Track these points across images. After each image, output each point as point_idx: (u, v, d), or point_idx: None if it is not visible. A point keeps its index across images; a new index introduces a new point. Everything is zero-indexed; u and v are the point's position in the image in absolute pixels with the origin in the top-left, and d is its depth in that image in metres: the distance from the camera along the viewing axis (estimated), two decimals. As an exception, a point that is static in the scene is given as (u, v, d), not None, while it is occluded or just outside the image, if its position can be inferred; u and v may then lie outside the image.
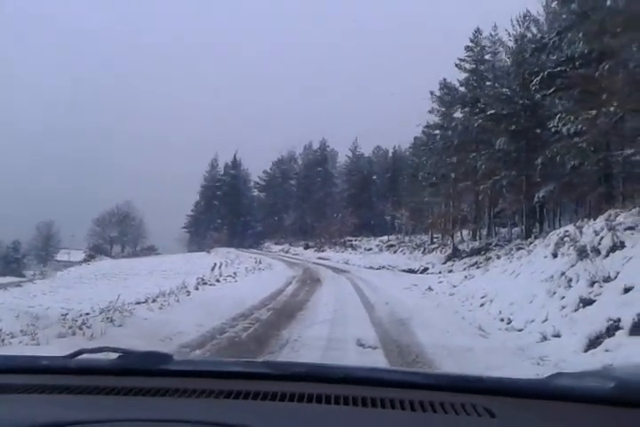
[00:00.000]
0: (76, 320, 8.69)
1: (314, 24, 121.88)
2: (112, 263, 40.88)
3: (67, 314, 12.22)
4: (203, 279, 15.81)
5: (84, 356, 1.56)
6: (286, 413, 1.18)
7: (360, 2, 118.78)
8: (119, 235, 63.92)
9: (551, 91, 22.11)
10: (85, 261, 49.67)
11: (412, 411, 1.18)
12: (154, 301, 10.72)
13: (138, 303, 10.70)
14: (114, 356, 1.54)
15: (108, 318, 8.40)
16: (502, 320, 9.02)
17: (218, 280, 16.45)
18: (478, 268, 18.85)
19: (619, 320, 6.49)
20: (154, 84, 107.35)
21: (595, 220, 11.07)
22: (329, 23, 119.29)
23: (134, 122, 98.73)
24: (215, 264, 25.12)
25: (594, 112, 17.47)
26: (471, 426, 1.15)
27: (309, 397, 1.24)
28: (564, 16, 20.22)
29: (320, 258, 40.66)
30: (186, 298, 11.45)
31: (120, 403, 1.23)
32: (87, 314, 10.09)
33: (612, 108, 16.84)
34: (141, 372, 1.45)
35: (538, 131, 24.09)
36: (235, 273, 19.61)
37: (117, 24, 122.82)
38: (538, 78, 22.71)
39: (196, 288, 13.65)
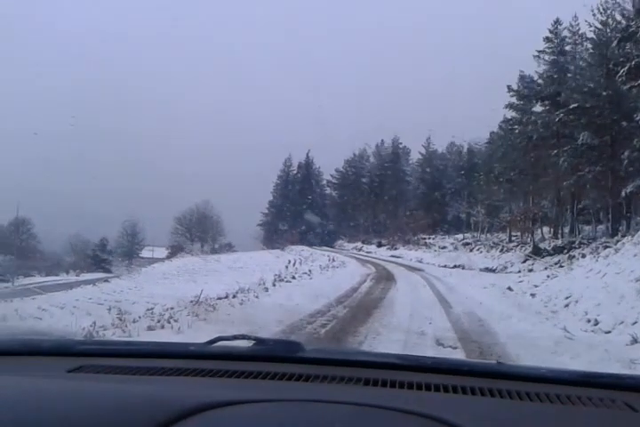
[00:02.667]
0: (163, 314, 9.14)
1: (380, 16, 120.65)
2: (193, 260, 42.33)
3: (152, 308, 12.84)
4: (279, 276, 16.14)
5: (221, 343, 1.66)
6: (434, 401, 1.22)
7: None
8: (199, 232, 66.18)
9: (639, 82, 20.94)
10: (168, 257, 51.81)
11: (549, 403, 1.21)
12: (234, 296, 11.09)
13: (219, 299, 11.09)
14: (249, 343, 1.64)
15: (193, 313, 8.79)
16: (589, 322, 8.66)
17: (293, 277, 16.74)
18: (561, 267, 18.15)
19: None
20: (227, 86, 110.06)
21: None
22: (397, 16, 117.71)
23: (210, 124, 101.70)
24: (290, 261, 25.52)
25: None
26: (614, 419, 1.16)
27: (445, 387, 1.29)
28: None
29: (393, 256, 40.41)
30: (264, 294, 11.77)
31: (265, 386, 1.31)
32: (172, 308, 10.57)
33: None
34: (278, 358, 1.54)
35: (624, 124, 22.86)
36: (309, 270, 19.87)
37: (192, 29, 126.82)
38: (625, 69, 21.56)
39: (274, 285, 13.97)
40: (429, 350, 6.50)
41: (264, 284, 13.75)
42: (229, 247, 62.27)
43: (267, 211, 72.22)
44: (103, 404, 1.05)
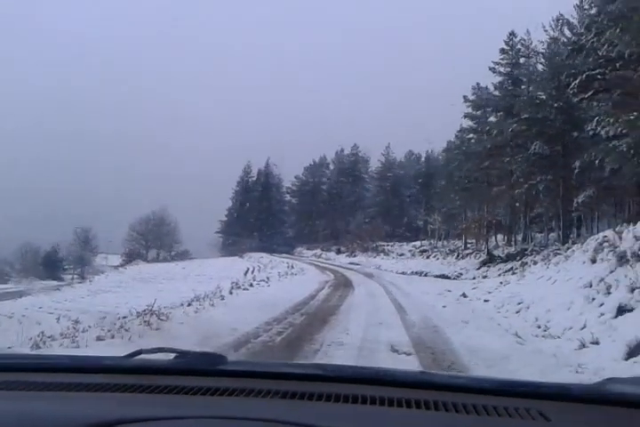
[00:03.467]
0: (115, 324, 8.89)
1: (344, 29, 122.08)
2: (148, 268, 41.61)
3: (105, 317, 12.50)
4: (237, 284, 15.97)
5: (142, 356, 1.60)
6: (345, 414, 1.20)
7: (393, 8, 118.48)
8: (154, 240, 64.99)
9: (589, 93, 21.69)
10: (122, 265, 50.72)
11: (465, 413, 1.19)
12: (189, 305, 10.90)
13: (173, 307, 10.88)
14: (171, 356, 1.59)
15: (145, 322, 8.57)
16: (539, 327, 8.85)
17: (251, 285, 16.60)
18: (514, 274, 18.54)
19: (661, 328, 6.32)
20: (188, 91, 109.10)
21: (635, 225, 10.80)
22: (360, 28, 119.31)
23: (168, 128, 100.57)
24: (248, 269, 25.38)
25: (635, 114, 17.06)
26: None
27: (364, 398, 1.26)
28: (602, 17, 19.82)
29: (352, 263, 40.57)
30: (220, 302, 11.60)
31: (181, 401, 1.26)
32: (124, 317, 10.31)
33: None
34: (198, 372, 1.49)
35: (574, 134, 23.64)
36: (268, 278, 19.75)
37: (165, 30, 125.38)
38: (576, 81, 22.32)
39: (230, 292, 13.80)
40: (384, 357, 6.52)
41: (220, 292, 13.57)
42: (186, 255, 61.42)
43: (225, 218, 71.59)
44: (1, 424, 0.98)
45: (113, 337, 7.69)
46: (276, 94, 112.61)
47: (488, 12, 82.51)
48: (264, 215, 67.38)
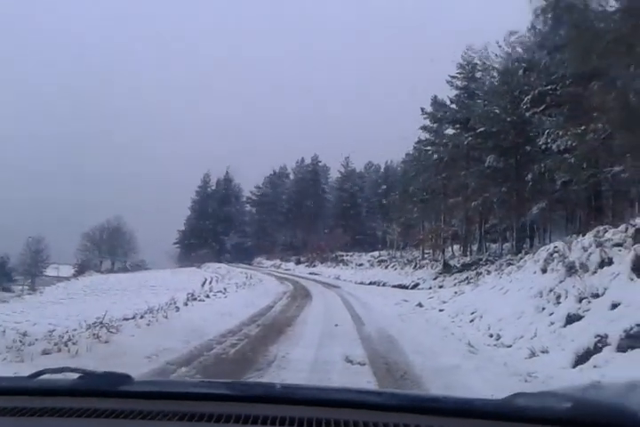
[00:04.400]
0: (62, 337, 8.58)
1: (307, 37, 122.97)
2: (101, 278, 40.55)
3: (54, 330, 12.06)
4: (192, 295, 15.66)
5: (46, 376, 1.54)
6: None
7: (355, 21, 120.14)
8: (109, 250, 63.45)
9: (541, 108, 22.43)
10: (74, 276, 49.28)
11: None
12: (142, 317, 10.60)
13: (125, 320, 10.58)
14: (75, 376, 1.52)
15: (94, 335, 8.30)
16: (491, 336, 9.00)
17: (208, 296, 16.31)
18: (469, 283, 18.85)
19: (606, 336, 6.49)
20: (146, 96, 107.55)
21: (584, 236, 11.13)
22: (323, 38, 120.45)
23: (124, 135, 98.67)
24: (206, 280, 24.99)
25: (583, 129, 17.70)
26: None
27: (272, 420, 1.23)
28: (553, 37, 20.54)
29: (311, 273, 40.57)
30: (174, 314, 11.33)
31: (82, 425, 1.21)
32: (74, 330, 9.97)
33: (600, 126, 17.09)
34: (101, 393, 1.43)
35: (527, 148, 24.34)
36: (225, 289, 19.47)
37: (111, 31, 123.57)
38: (529, 97, 23.05)
39: (185, 304, 13.50)
40: (338, 367, 6.50)
41: (175, 303, 13.27)
42: (142, 265, 60.20)
43: (184, 228, 70.63)
44: None
45: (60, 351, 7.42)
46: (236, 104, 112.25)
47: (447, 26, 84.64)
48: (223, 225, 66.81)
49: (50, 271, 61.46)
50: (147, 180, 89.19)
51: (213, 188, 71.48)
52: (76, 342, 7.65)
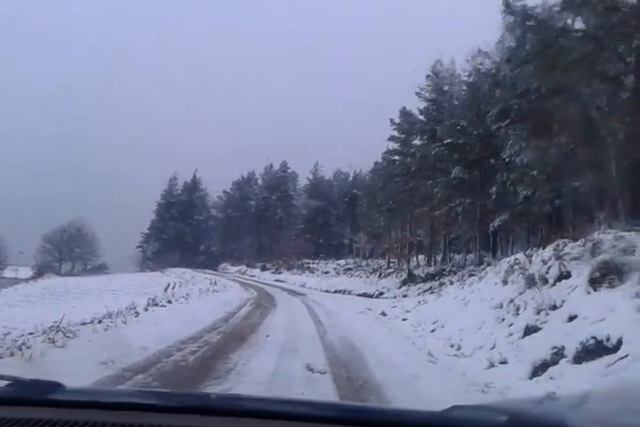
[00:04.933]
0: (17, 341, 8.32)
1: (276, 48, 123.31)
2: (61, 281, 39.53)
3: (8, 333, 11.68)
4: (154, 300, 15.41)
5: None
6: None
7: (328, 28, 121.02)
8: (69, 252, 61.99)
9: (506, 122, 22.89)
10: (33, 278, 47.92)
11: None
12: (100, 322, 10.35)
13: (83, 324, 10.32)
14: (3, 384, 1.47)
15: (49, 339, 8.07)
16: (452, 346, 9.10)
17: (169, 301, 16.05)
18: (432, 293, 19.04)
19: (563, 348, 6.62)
20: (115, 93, 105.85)
21: (544, 249, 11.37)
22: (290, 44, 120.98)
23: (92, 134, 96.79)
24: (169, 285, 24.63)
25: (545, 143, 18.13)
26: None
27: None
28: (519, 52, 21.05)
29: (277, 280, 40.40)
30: (134, 319, 11.11)
31: None
32: (30, 334, 9.69)
33: (563, 140, 17.53)
34: (29, 402, 1.38)
35: (492, 161, 24.80)
36: (187, 294, 19.20)
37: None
38: (494, 110, 23.51)
39: (146, 309, 13.26)
40: (299, 375, 6.47)
41: (135, 308, 13.02)
42: (104, 268, 58.97)
43: (148, 231, 69.45)
44: None
45: (13, 355, 7.18)
46: (205, 108, 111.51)
47: (418, 38, 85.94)
48: (188, 230, 66.05)
49: (8, 273, 59.62)
50: (111, 181, 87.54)
51: (180, 191, 70.62)
52: (30, 347, 7.41)
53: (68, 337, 8.41)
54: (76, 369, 6.20)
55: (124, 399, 1.45)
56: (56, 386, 1.44)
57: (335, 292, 29.07)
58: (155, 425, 1.22)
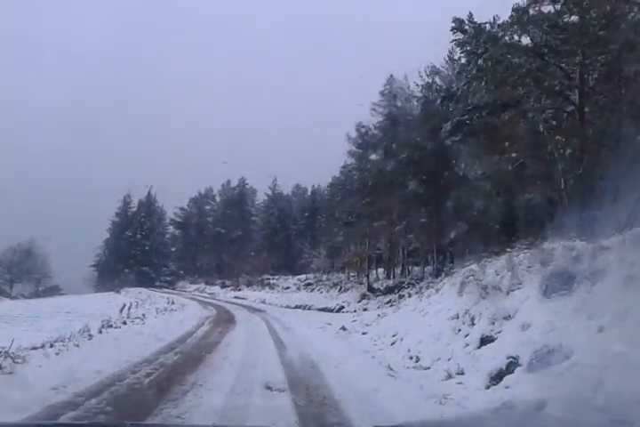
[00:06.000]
0: (-40, 368, 7.95)
1: (235, 59, 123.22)
2: (11, 304, 38.03)
3: (-48, 361, 11.16)
4: (108, 322, 14.98)
5: None
6: None
7: (283, 38, 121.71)
8: (21, 274, 59.84)
9: (459, 137, 23.43)
10: (-19, 302, 45.95)
11: None
12: (51, 346, 9.99)
13: (34, 348, 9.93)
14: None
15: (-3, 366, 7.75)
16: (411, 358, 9.16)
17: (125, 322, 15.67)
18: (391, 306, 19.15)
19: (517, 357, 6.75)
20: (68, 104, 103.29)
21: (497, 259, 11.61)
22: (247, 57, 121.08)
23: (38, 148, 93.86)
24: (124, 305, 23.96)
25: (496, 158, 18.63)
26: None
27: None
28: (470, 67, 21.68)
29: (236, 297, 39.98)
30: (87, 342, 10.78)
31: None
32: (-23, 361, 9.28)
33: (513, 155, 18.05)
34: None
35: (446, 174, 25.30)
36: (144, 314, 18.79)
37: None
38: (447, 125, 24.04)
39: (100, 331, 12.88)
40: (257, 394, 6.39)
41: (89, 331, 12.63)
42: (57, 290, 57.06)
43: (102, 251, 67.72)
44: None
45: (-44, 384, 6.86)
46: (158, 123, 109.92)
47: (374, 49, 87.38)
48: (144, 248, 64.71)
49: (-47, 297, 57.12)
50: (64, 200, 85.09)
51: (134, 209, 69.25)
52: (-26, 375, 7.11)
53: (17, 363, 8.09)
54: (26, 396, 5.97)
55: None
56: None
57: (296, 307, 28.94)
58: None
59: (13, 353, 8.92)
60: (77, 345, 10.10)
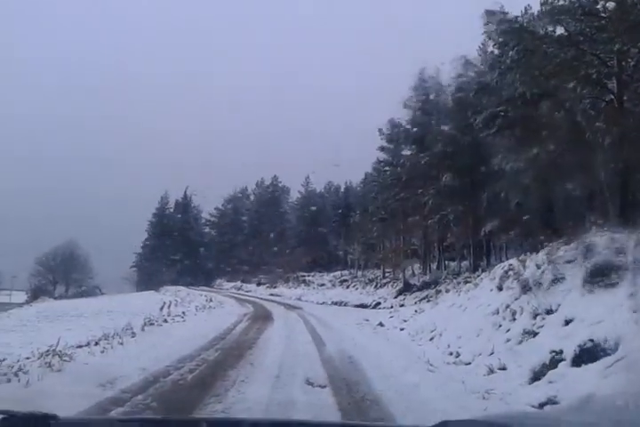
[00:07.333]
0: (12, 366, 8.24)
1: (266, 58, 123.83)
2: (56, 304, 39.16)
3: (4, 360, 11.55)
4: (150, 320, 15.31)
5: None
6: None
7: (312, 39, 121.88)
8: (63, 275, 61.58)
9: (494, 130, 23.06)
10: (27, 302, 47.49)
11: None
12: (96, 344, 10.29)
13: (79, 347, 10.24)
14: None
15: (46, 364, 8.01)
16: (451, 354, 9.09)
17: (165, 320, 15.97)
18: (428, 302, 19.03)
19: (561, 352, 6.63)
20: (104, 113, 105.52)
21: (537, 253, 11.41)
22: (281, 58, 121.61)
23: (79, 154, 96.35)
24: (164, 303, 24.42)
25: (534, 150, 18.26)
26: None
27: None
28: (504, 59, 21.29)
29: (272, 295, 40.27)
30: (130, 340, 11.05)
31: None
32: (27, 359, 9.59)
33: (551, 146, 17.67)
34: None
35: (481, 167, 24.92)
36: (184, 312, 19.11)
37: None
38: (480, 118, 23.68)
39: (142, 329, 13.19)
40: (298, 390, 6.44)
41: (131, 329, 12.93)
42: (98, 290, 58.53)
43: (141, 251, 69.06)
44: None
45: (9, 381, 7.12)
46: (195, 123, 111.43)
47: (404, 45, 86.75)
48: (182, 248, 65.73)
49: (1, 298, 59.03)
50: (103, 201, 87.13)
51: (172, 209, 70.43)
52: (27, 372, 7.36)
53: (64, 361, 8.35)
54: (75, 392, 6.15)
55: None
56: (50, 418, 1.43)
57: (332, 304, 29.00)
58: None
59: (60, 351, 9.22)
60: (121, 343, 10.35)
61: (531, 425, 1.34)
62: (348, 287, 35.24)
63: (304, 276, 46.87)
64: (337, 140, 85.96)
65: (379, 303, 25.80)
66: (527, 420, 1.47)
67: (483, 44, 26.77)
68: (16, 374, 7.35)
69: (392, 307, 23.03)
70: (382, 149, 35.59)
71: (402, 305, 22.87)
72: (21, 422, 1.41)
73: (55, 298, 50.07)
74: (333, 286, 39.00)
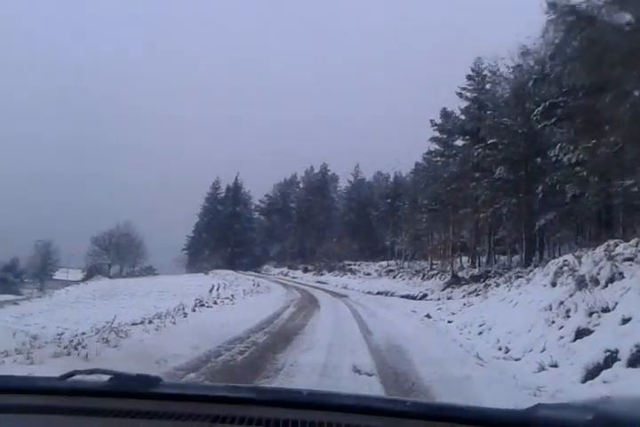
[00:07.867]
0: (72, 340, 8.64)
1: (319, 44, 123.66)
2: (110, 283, 40.69)
3: (62, 334, 12.13)
4: (200, 301, 15.73)
5: (77, 377, 1.57)
6: None
7: (366, 28, 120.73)
8: (118, 255, 63.75)
9: (553, 121, 22.37)
10: (83, 280, 49.49)
11: None
12: (150, 322, 10.66)
13: (134, 324, 10.64)
14: (105, 378, 1.55)
15: (103, 339, 8.35)
16: (500, 349, 8.96)
17: (215, 302, 16.36)
18: (477, 295, 18.76)
19: (617, 351, 6.45)
20: (157, 100, 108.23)
21: (594, 250, 11.06)
22: (332, 48, 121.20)
23: (137, 140, 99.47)
24: (213, 286, 25.01)
25: (594, 142, 17.63)
26: None
27: (294, 423, 1.27)
28: (565, 49, 20.55)
29: (319, 282, 40.51)
30: (182, 320, 11.39)
31: (113, 424, 1.25)
32: (83, 334, 10.04)
33: (612, 139, 17.01)
34: (132, 394, 1.46)
35: (538, 160, 24.26)
36: (232, 295, 19.52)
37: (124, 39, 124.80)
38: (539, 108, 23.00)
39: (194, 310, 13.58)
40: (346, 377, 6.49)
41: (183, 309, 13.34)
42: (151, 271, 60.35)
43: (192, 234, 70.74)
44: None
45: (69, 354, 7.47)
46: (247, 110, 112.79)
47: (458, 36, 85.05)
48: (231, 232, 66.89)
49: (59, 275, 61.75)
50: (158, 185, 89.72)
51: (223, 194, 71.64)
52: (85, 346, 7.70)
53: (120, 337, 8.69)
54: (131, 368, 6.39)
55: (219, 393, 1.53)
56: (156, 380, 1.51)
57: (377, 293, 28.95)
58: (251, 417, 1.28)
59: (116, 328, 9.59)
60: (174, 322, 10.69)
61: (626, 411, 1.33)
62: (394, 278, 35.08)
63: (350, 264, 46.92)
64: (387, 130, 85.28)
65: (425, 295, 25.58)
66: (617, 405, 1.46)
67: (543, 33, 25.86)
68: (75, 348, 7.71)
69: (439, 299, 22.81)
70: (434, 139, 35.09)
71: (449, 298, 22.62)
72: (129, 382, 1.50)
73: (110, 277, 51.95)
74: (379, 275, 38.89)
